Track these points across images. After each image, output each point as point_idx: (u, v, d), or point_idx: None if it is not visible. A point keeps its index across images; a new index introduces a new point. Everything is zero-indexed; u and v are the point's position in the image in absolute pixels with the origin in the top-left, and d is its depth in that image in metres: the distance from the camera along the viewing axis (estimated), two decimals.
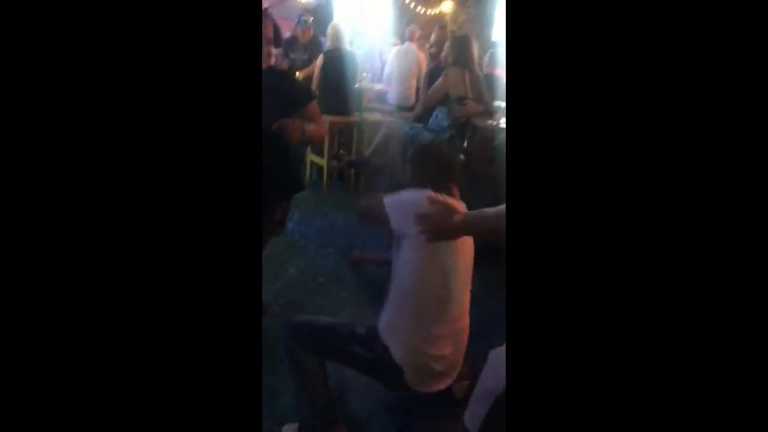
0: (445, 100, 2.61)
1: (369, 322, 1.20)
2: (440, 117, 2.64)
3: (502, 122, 2.73)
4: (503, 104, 3.03)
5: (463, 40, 2.70)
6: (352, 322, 1.28)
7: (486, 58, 4.01)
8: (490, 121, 2.74)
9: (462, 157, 2.59)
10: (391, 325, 1.16)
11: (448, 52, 2.67)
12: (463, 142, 2.68)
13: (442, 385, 1.20)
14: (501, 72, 4.03)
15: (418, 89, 4.07)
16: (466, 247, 1.19)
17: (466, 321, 1.22)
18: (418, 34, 4.40)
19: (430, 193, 1.13)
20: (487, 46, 4.68)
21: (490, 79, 3.14)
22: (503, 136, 2.74)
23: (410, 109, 3.88)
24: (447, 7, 6.29)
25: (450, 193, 1.20)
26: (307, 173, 3.43)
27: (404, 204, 1.13)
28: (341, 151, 3.38)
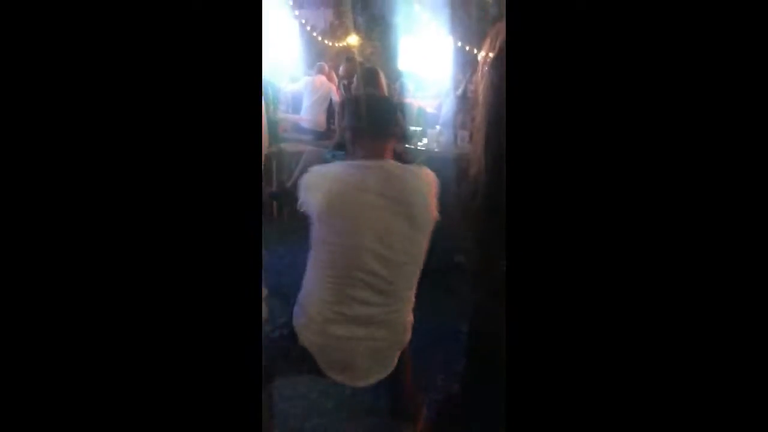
0: None
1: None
2: None
3: (419, 145, 2.87)
4: (418, 129, 3.19)
5: (371, 72, 2.83)
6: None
7: (397, 87, 4.22)
8: (406, 145, 2.86)
9: None
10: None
11: (358, 83, 2.77)
12: None
13: (371, 379, 1.08)
14: (411, 99, 4.30)
15: (329, 116, 4.21)
16: None
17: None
18: (327, 67, 4.58)
19: None
20: (396, 76, 4.95)
21: (401, 106, 3.30)
22: (421, 158, 2.87)
23: (324, 134, 3.95)
24: (353, 40, 6.56)
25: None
26: None
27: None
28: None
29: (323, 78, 4.45)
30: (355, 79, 2.84)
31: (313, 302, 1.10)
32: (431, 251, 1.10)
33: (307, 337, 1.08)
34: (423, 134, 3.08)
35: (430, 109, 4.22)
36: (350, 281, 1.06)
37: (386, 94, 2.83)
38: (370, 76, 2.75)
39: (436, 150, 2.77)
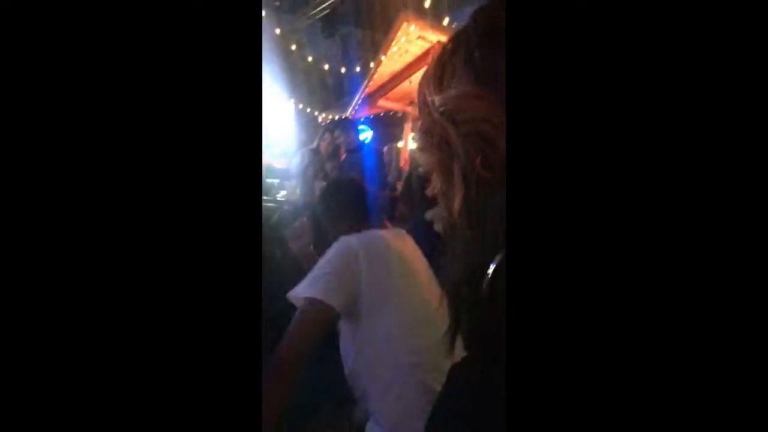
0: None
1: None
2: None
3: (278, 197, 2.95)
4: (275, 182, 3.27)
5: None
6: None
7: None
8: (264, 197, 2.91)
9: None
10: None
11: None
12: None
13: None
14: None
15: None
16: None
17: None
18: None
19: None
20: None
21: None
22: (280, 209, 2.92)
23: None
24: None
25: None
26: None
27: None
28: None
29: None
30: None
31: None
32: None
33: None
34: (281, 187, 3.18)
35: (278, 165, 4.32)
36: None
37: None
38: None
39: (293, 201, 2.89)
